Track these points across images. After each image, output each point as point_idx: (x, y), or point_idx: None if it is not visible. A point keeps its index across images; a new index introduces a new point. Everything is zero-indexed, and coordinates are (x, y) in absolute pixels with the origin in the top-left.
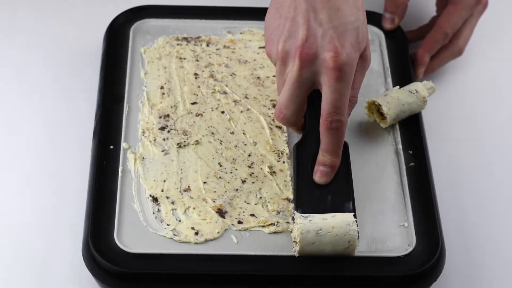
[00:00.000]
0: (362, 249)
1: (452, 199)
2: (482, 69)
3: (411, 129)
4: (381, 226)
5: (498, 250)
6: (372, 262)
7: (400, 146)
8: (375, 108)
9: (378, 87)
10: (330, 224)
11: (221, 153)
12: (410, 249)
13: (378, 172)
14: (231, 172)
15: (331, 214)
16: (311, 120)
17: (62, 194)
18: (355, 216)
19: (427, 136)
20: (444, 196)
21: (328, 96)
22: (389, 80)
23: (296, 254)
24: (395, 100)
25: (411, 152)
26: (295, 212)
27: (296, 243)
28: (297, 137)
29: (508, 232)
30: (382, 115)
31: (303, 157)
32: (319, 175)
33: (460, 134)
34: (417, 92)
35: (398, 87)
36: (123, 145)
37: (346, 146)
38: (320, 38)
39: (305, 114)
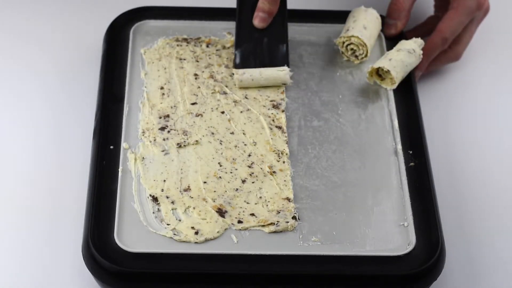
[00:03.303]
0: (362, 248)
1: (452, 199)
2: (482, 69)
3: (411, 129)
4: (381, 225)
5: (498, 250)
6: (372, 261)
7: (400, 146)
8: (374, 71)
9: (377, 88)
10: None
11: (221, 153)
12: (410, 248)
13: (378, 172)
14: (231, 172)
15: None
16: None
17: (62, 194)
18: (287, 59)
19: (427, 136)
20: (444, 196)
21: None
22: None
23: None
24: (400, 63)
25: (411, 152)
26: (235, 53)
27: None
28: (297, 137)
29: (508, 232)
30: (381, 76)
31: (244, 2)
32: (258, 20)
33: (460, 134)
34: (414, 51)
35: (395, 49)
36: (123, 145)
37: None
38: None
39: None
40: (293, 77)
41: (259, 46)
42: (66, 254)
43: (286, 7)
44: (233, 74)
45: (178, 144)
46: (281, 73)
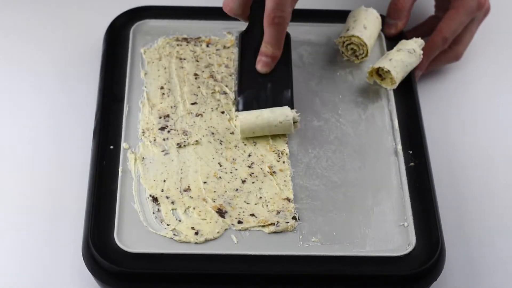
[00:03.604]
0: (362, 249)
1: (452, 199)
2: (482, 69)
3: (411, 129)
4: (381, 225)
5: (498, 250)
6: (372, 261)
7: (400, 146)
8: (374, 70)
9: (377, 87)
10: (268, 116)
11: (221, 153)
12: (410, 248)
13: (378, 172)
14: (231, 172)
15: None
16: (256, 11)
17: (62, 194)
18: (291, 103)
19: (427, 136)
20: (444, 196)
21: None
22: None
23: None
24: (400, 63)
25: (411, 152)
26: (238, 98)
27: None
28: (297, 137)
29: (508, 232)
30: (381, 76)
31: (247, 46)
32: (261, 64)
33: (460, 134)
34: (415, 51)
35: (395, 49)
36: (123, 145)
37: (288, 38)
38: None
39: (252, 5)
40: (293, 76)
41: (263, 91)
42: (66, 254)
43: (290, 51)
44: (234, 116)
45: (178, 144)
46: (285, 117)
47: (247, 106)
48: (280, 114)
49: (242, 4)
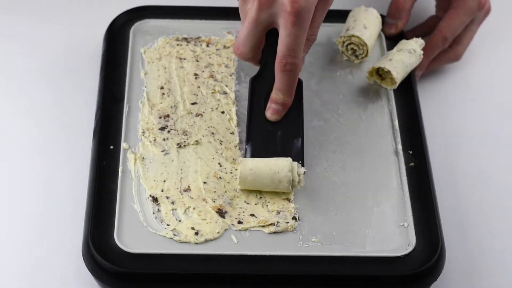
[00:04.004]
0: (362, 249)
1: (452, 199)
2: (482, 69)
3: (411, 129)
4: (381, 226)
5: (498, 250)
6: (372, 262)
7: (400, 146)
8: (375, 70)
9: (377, 87)
10: (269, 168)
11: (221, 153)
12: (410, 249)
13: (378, 172)
14: (231, 172)
15: (273, 159)
16: (268, 57)
17: (62, 194)
18: (302, 154)
19: (427, 136)
20: (444, 196)
21: (284, 39)
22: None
23: (238, 187)
24: (400, 63)
25: (411, 152)
26: (246, 147)
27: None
28: None
29: (508, 232)
30: (381, 76)
31: (257, 91)
32: (271, 112)
33: (460, 134)
34: (415, 51)
35: (396, 49)
36: (123, 145)
37: (300, 84)
38: None
39: (264, 49)
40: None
41: (272, 140)
42: (66, 254)
43: (302, 98)
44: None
45: (178, 144)
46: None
47: (255, 156)
48: (281, 169)
49: (253, 48)
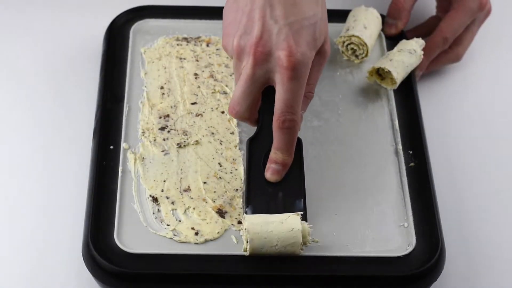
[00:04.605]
0: (362, 249)
1: (452, 199)
2: (482, 69)
3: (411, 129)
4: (381, 226)
5: (498, 250)
6: (372, 262)
7: (400, 146)
8: (375, 70)
9: (377, 88)
10: (277, 229)
11: (221, 153)
12: (410, 249)
13: (378, 172)
14: (231, 172)
15: (279, 219)
16: (265, 116)
17: (62, 194)
18: (305, 215)
19: (427, 136)
20: (444, 196)
21: (281, 95)
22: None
23: (247, 253)
24: (400, 63)
25: (411, 152)
26: (246, 210)
27: (247, 242)
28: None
29: (508, 232)
30: (381, 76)
31: (255, 152)
32: (270, 172)
33: (460, 134)
34: (415, 52)
35: (396, 49)
36: (123, 145)
37: (299, 143)
38: (275, 35)
39: (260, 108)
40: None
41: (273, 202)
42: (66, 254)
43: (302, 156)
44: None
45: (178, 144)
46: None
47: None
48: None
49: (249, 107)
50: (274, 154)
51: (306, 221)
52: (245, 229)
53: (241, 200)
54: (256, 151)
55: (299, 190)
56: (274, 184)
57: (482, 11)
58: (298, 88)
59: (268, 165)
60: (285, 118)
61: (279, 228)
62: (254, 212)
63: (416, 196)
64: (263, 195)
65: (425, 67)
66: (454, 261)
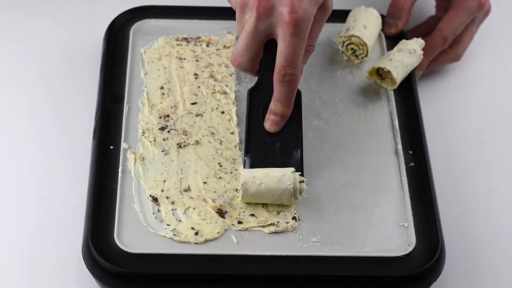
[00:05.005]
0: (362, 249)
1: (452, 199)
2: (482, 69)
3: (411, 129)
4: (381, 226)
5: (498, 250)
6: (372, 262)
7: (400, 146)
8: (374, 70)
9: (377, 88)
10: (270, 180)
11: (221, 153)
12: (410, 249)
13: (378, 172)
14: (231, 172)
15: (274, 172)
16: (266, 68)
17: (62, 194)
18: (301, 166)
19: (427, 136)
20: (444, 196)
21: (283, 50)
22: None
23: (240, 200)
24: (400, 63)
25: (411, 152)
26: (245, 159)
27: (241, 185)
28: None
29: (508, 232)
30: (381, 76)
31: (255, 103)
32: (269, 123)
33: (460, 134)
34: (415, 51)
35: (396, 49)
36: (123, 145)
37: (298, 94)
38: None
39: (261, 60)
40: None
41: (271, 151)
42: (66, 254)
43: (301, 109)
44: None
45: (178, 144)
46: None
47: (254, 167)
48: (283, 180)
49: (251, 59)
50: (274, 105)
51: (303, 172)
52: (240, 174)
53: (241, 199)
54: (256, 102)
55: (297, 141)
56: (273, 135)
57: (481, 10)
58: (299, 43)
59: (267, 116)
60: (286, 72)
61: (273, 176)
62: (253, 159)
63: (416, 196)
64: (262, 144)
65: (425, 67)
66: (454, 261)
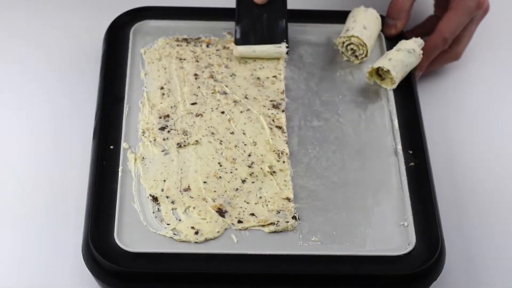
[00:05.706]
0: (362, 248)
1: (452, 199)
2: (482, 69)
3: (411, 129)
4: (381, 225)
5: (498, 250)
6: (372, 261)
7: (400, 146)
8: (374, 71)
9: (377, 88)
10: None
11: (221, 153)
12: (410, 248)
13: (378, 172)
14: (231, 172)
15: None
16: None
17: (62, 194)
18: (287, 35)
19: (427, 136)
20: (444, 196)
21: None
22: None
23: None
24: (399, 63)
25: (411, 151)
26: (236, 28)
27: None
28: (297, 137)
29: (508, 232)
30: (381, 76)
31: None
32: None
33: (460, 135)
34: (414, 51)
35: (395, 48)
36: (123, 145)
37: None
38: None
39: None
40: (293, 76)
41: (259, 22)
42: (66, 254)
43: None
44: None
45: (178, 144)
46: (278, 49)
47: (244, 36)
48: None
49: None
50: None
51: (288, 40)
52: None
53: (240, 199)
54: None
55: (282, 12)
56: (261, 6)
57: (480, 10)
58: None
59: None
60: None
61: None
62: (243, 29)
63: (416, 196)
64: (251, 15)
65: (424, 68)
66: (454, 261)
